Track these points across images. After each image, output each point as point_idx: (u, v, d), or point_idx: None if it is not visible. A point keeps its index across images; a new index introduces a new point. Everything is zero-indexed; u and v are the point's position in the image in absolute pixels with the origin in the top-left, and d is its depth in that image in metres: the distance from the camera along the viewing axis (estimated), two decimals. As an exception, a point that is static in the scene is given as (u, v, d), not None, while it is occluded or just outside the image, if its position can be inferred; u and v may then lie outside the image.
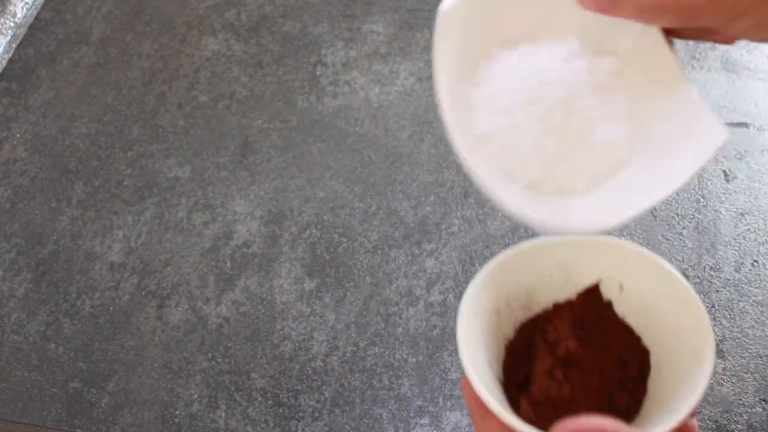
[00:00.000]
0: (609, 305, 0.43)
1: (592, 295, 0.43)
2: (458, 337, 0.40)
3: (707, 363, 0.37)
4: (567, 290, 0.44)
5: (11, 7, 0.95)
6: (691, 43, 0.86)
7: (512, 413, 0.38)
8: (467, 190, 0.76)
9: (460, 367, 0.65)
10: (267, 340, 0.68)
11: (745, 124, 0.79)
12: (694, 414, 0.38)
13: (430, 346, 0.67)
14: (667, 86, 0.40)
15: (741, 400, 0.62)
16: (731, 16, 0.34)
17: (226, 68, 0.89)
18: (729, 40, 0.39)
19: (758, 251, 0.70)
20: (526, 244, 0.42)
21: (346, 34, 0.90)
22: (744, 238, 0.71)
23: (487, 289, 0.42)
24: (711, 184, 0.75)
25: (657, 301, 0.41)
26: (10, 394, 0.67)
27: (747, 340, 0.65)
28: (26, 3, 0.97)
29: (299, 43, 0.90)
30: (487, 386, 0.38)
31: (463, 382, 0.40)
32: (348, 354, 0.67)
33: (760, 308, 0.66)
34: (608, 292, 0.43)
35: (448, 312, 0.68)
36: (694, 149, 0.37)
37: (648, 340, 0.41)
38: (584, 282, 0.43)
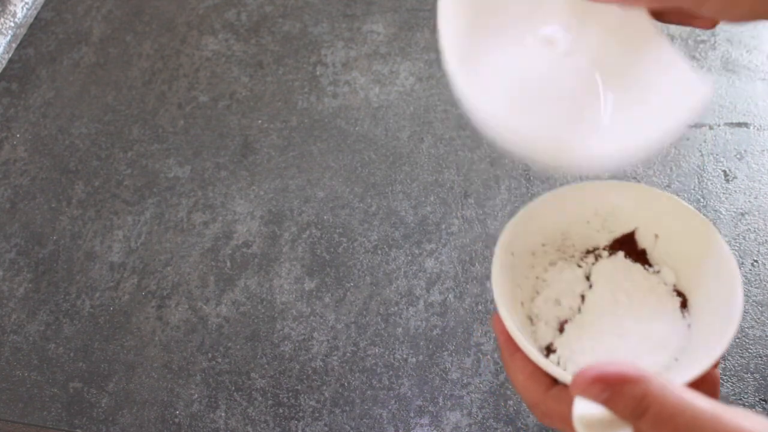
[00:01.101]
0: (643, 253, 0.44)
1: (627, 242, 0.44)
2: (493, 274, 0.40)
3: (736, 312, 0.37)
4: (602, 236, 0.44)
5: (11, 7, 0.95)
6: (691, 43, 0.86)
7: (540, 351, 0.39)
8: (467, 190, 0.76)
9: (460, 367, 0.65)
10: (267, 340, 0.68)
11: (745, 124, 0.79)
12: (717, 365, 0.38)
13: (430, 346, 0.67)
14: (649, 52, 0.41)
15: (741, 400, 0.62)
16: None
17: (226, 68, 0.89)
18: (709, 24, 0.40)
19: (758, 251, 0.70)
20: (566, 188, 0.43)
21: (346, 34, 0.90)
22: (744, 238, 0.71)
23: (525, 228, 0.42)
24: (711, 184, 0.75)
25: (692, 252, 0.41)
26: (10, 394, 0.67)
27: (747, 340, 0.65)
28: (26, 3, 0.97)
29: (299, 43, 0.90)
30: (517, 324, 0.39)
31: (494, 318, 0.40)
32: (348, 354, 0.67)
33: (760, 308, 0.66)
34: (643, 240, 0.44)
35: (448, 312, 0.68)
36: (681, 104, 0.38)
37: (684, 285, 0.42)
38: (620, 230, 0.44)
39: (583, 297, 0.42)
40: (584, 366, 0.32)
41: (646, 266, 0.44)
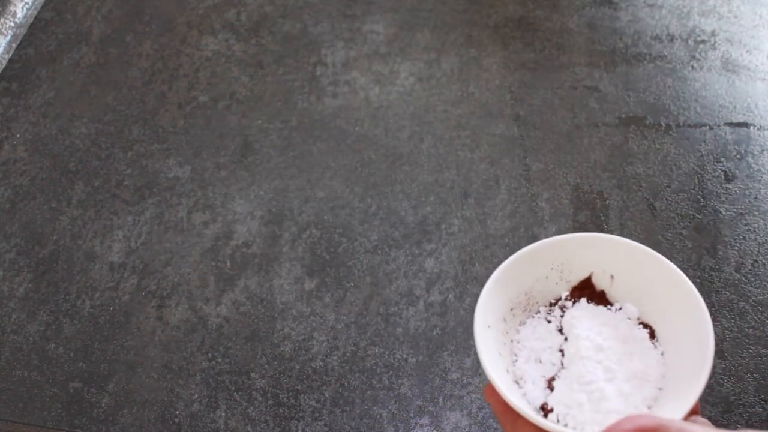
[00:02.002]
0: (603, 294, 0.46)
1: (585, 287, 0.47)
2: (478, 351, 0.42)
3: (709, 336, 0.40)
4: (562, 287, 0.47)
5: (11, 7, 0.95)
6: (691, 43, 0.86)
7: (540, 414, 0.41)
8: (467, 190, 0.76)
9: (460, 367, 0.65)
10: (267, 340, 0.68)
11: (745, 124, 0.79)
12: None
13: (430, 346, 0.67)
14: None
15: (741, 400, 0.62)
16: None
17: (226, 68, 0.89)
18: None
19: (758, 251, 0.70)
20: (521, 253, 0.46)
21: (346, 34, 0.90)
22: (744, 238, 0.71)
23: (492, 301, 0.45)
24: (711, 184, 0.75)
25: (647, 283, 0.44)
26: (10, 394, 0.67)
27: (747, 340, 0.65)
28: (26, 3, 0.97)
29: (299, 43, 0.90)
30: (512, 392, 0.41)
31: (486, 390, 0.42)
32: (348, 354, 0.67)
33: (760, 308, 0.66)
34: (600, 282, 0.47)
35: (448, 312, 0.68)
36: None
37: (648, 316, 0.45)
38: (577, 278, 0.47)
39: (561, 351, 0.44)
40: (610, 425, 0.35)
41: (608, 306, 0.46)
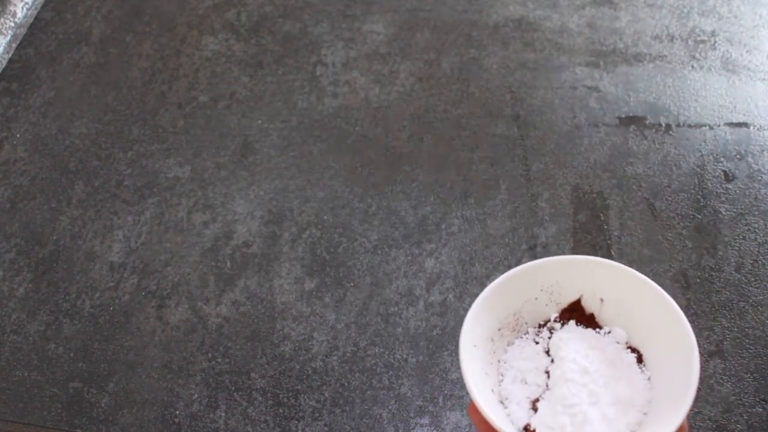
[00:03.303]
0: (592, 317, 0.47)
1: (575, 310, 0.47)
2: (462, 370, 0.42)
3: (694, 362, 0.40)
4: (551, 309, 0.47)
5: (11, 7, 0.95)
6: (691, 43, 0.86)
7: None
8: (467, 190, 0.76)
9: (459, 368, 0.65)
10: (267, 340, 0.68)
11: (745, 124, 0.79)
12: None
13: (430, 346, 0.67)
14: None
15: (741, 400, 0.62)
16: None
17: (226, 68, 0.89)
18: None
19: (758, 251, 0.70)
20: (511, 273, 0.46)
21: (346, 34, 0.90)
22: (744, 238, 0.71)
23: (480, 320, 0.45)
24: (711, 184, 0.75)
25: (636, 308, 0.44)
26: (10, 394, 0.67)
27: (747, 340, 0.65)
28: (26, 3, 0.97)
29: (299, 43, 0.90)
30: (495, 412, 0.41)
31: (471, 408, 0.42)
32: (348, 354, 0.67)
33: (760, 308, 0.66)
34: (589, 306, 0.47)
35: (448, 312, 0.68)
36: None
37: (636, 341, 0.45)
38: (566, 300, 0.47)
39: (547, 372, 0.44)
40: None
41: (597, 329, 0.46)
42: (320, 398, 0.65)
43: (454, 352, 0.66)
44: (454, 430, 0.62)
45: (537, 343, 0.46)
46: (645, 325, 0.44)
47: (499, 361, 0.46)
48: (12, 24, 0.95)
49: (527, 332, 0.47)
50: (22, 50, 0.93)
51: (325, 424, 0.63)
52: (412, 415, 0.63)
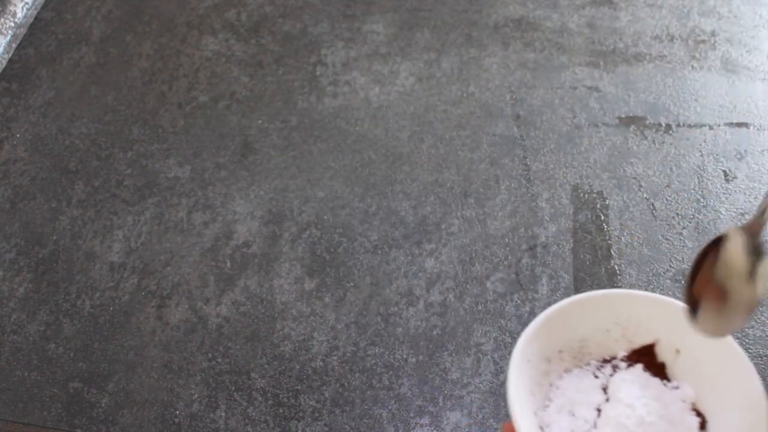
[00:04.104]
0: (662, 367, 0.42)
1: (646, 354, 0.42)
2: (509, 380, 0.39)
3: None
4: (621, 345, 0.43)
5: (11, 7, 0.95)
6: (691, 43, 0.86)
7: None
8: (467, 190, 0.76)
9: (460, 367, 0.65)
10: (267, 340, 0.68)
11: (745, 124, 0.79)
12: None
13: (430, 346, 0.67)
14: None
15: (741, 400, 0.62)
16: None
17: (226, 68, 0.89)
18: None
19: (758, 251, 0.70)
20: (588, 295, 0.42)
21: (346, 34, 0.90)
22: (744, 238, 0.71)
23: (542, 334, 0.41)
24: (711, 184, 0.75)
25: (715, 373, 0.40)
26: (10, 394, 0.67)
27: (747, 340, 0.65)
28: (26, 3, 0.97)
29: (299, 43, 0.90)
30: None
31: (506, 426, 0.39)
32: (348, 354, 0.67)
33: (760, 308, 0.66)
34: (663, 354, 0.42)
35: (448, 312, 0.68)
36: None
37: (704, 405, 0.40)
38: (640, 341, 0.42)
39: (599, 411, 0.41)
40: None
41: (665, 381, 0.42)
42: (320, 398, 0.64)
43: (455, 352, 0.66)
44: (454, 430, 0.62)
45: (596, 377, 0.42)
46: (719, 390, 0.40)
47: (550, 384, 0.42)
48: (12, 24, 0.95)
49: (589, 363, 0.43)
50: (22, 50, 0.93)
51: (325, 424, 0.63)
52: (412, 415, 0.63)
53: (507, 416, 0.62)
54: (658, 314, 0.41)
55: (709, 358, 0.40)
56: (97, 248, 0.75)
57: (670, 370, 0.42)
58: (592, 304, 0.42)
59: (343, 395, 0.65)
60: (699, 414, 0.40)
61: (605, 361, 0.43)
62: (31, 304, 0.72)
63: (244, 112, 0.85)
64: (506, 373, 0.39)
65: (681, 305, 0.40)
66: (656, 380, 0.42)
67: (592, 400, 0.41)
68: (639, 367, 0.42)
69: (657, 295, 0.42)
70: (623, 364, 0.42)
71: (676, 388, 0.41)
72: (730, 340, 0.40)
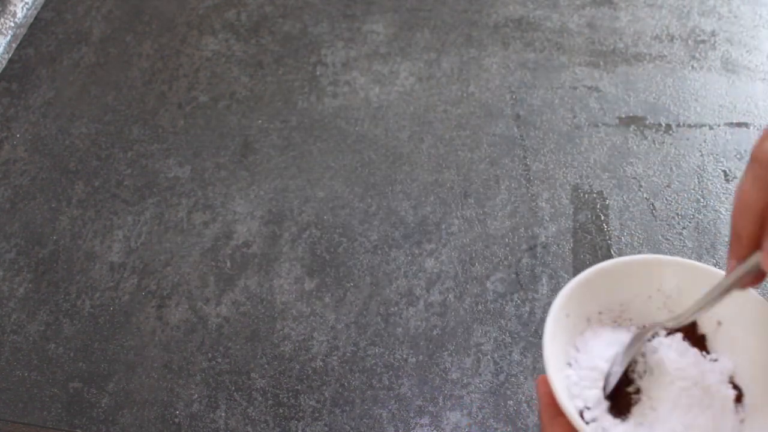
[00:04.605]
0: (702, 338, 0.42)
1: (687, 325, 0.42)
2: (545, 333, 0.38)
3: None
4: (662, 314, 0.42)
5: (11, 7, 0.95)
6: (691, 43, 0.86)
7: (582, 419, 0.37)
8: (467, 190, 0.76)
9: (460, 367, 0.65)
10: (267, 340, 0.68)
11: (745, 124, 0.79)
12: None
13: (430, 346, 0.67)
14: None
15: (741, 400, 0.62)
16: None
17: (226, 68, 0.89)
18: None
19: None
20: (634, 258, 0.41)
21: (346, 34, 0.90)
22: (744, 238, 0.71)
23: (584, 292, 0.41)
24: (711, 184, 0.75)
25: (755, 346, 0.39)
26: (10, 394, 0.67)
27: None
28: (26, 3, 0.97)
29: (299, 43, 0.90)
30: (564, 391, 0.38)
31: (540, 378, 0.39)
32: (348, 354, 0.67)
33: (760, 308, 0.66)
34: (705, 326, 0.42)
35: (448, 312, 0.68)
36: None
37: (741, 379, 0.40)
38: (681, 311, 0.41)
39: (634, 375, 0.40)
40: None
41: (704, 352, 0.41)
42: (320, 398, 0.65)
43: (455, 352, 0.66)
44: (454, 430, 0.62)
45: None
46: (758, 366, 0.39)
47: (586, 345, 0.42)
48: (12, 24, 0.95)
49: (629, 329, 0.42)
50: (22, 50, 0.93)
51: (325, 424, 0.63)
52: (412, 415, 0.63)
53: (507, 416, 0.62)
54: (704, 284, 0.40)
55: (751, 331, 0.40)
56: (97, 248, 0.75)
57: (711, 342, 0.42)
58: (638, 268, 0.41)
59: (343, 395, 0.65)
60: (736, 387, 0.40)
61: (644, 328, 0.42)
62: (31, 304, 0.72)
63: (244, 112, 0.85)
64: (542, 329, 0.39)
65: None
66: (695, 350, 0.41)
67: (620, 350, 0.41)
68: (678, 336, 0.41)
69: (703, 265, 0.41)
70: (662, 332, 0.41)
71: (715, 360, 0.41)
72: None
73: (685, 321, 0.39)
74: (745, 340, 0.40)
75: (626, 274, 0.42)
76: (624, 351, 0.40)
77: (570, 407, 0.37)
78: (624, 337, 0.41)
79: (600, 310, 0.42)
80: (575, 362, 0.40)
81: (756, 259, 0.35)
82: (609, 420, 0.39)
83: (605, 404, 0.39)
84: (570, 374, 0.40)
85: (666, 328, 0.40)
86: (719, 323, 0.41)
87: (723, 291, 0.37)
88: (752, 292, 0.39)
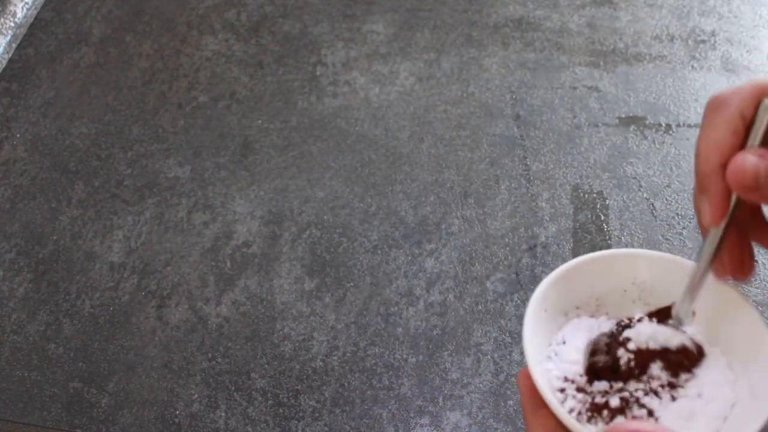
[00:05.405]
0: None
1: (662, 316, 0.43)
2: (525, 329, 0.39)
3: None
4: (637, 307, 0.43)
5: (11, 7, 0.95)
6: (691, 43, 0.86)
7: (564, 409, 0.38)
8: (467, 190, 0.76)
9: (460, 367, 0.65)
10: (267, 340, 0.68)
11: (745, 124, 0.79)
12: None
13: (430, 346, 0.67)
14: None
15: (741, 400, 0.62)
16: None
17: (226, 68, 0.89)
18: None
19: (758, 251, 0.70)
20: (607, 253, 0.42)
21: (346, 34, 0.90)
22: (744, 238, 0.71)
23: (561, 287, 0.42)
24: (711, 184, 0.75)
25: (730, 334, 0.40)
26: (10, 394, 0.67)
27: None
28: (26, 3, 0.97)
29: (299, 43, 0.90)
30: (545, 380, 0.39)
31: (522, 372, 0.40)
32: (348, 354, 0.67)
33: (761, 308, 0.66)
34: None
35: (448, 312, 0.68)
36: None
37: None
38: (657, 303, 0.42)
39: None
40: (615, 423, 0.32)
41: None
42: (320, 398, 0.65)
43: (455, 352, 0.66)
44: (454, 430, 0.62)
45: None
46: (733, 352, 0.40)
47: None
48: (12, 24, 0.95)
49: (608, 321, 0.43)
50: (22, 50, 0.93)
51: (325, 424, 0.63)
52: (412, 415, 0.63)
53: (507, 416, 0.62)
54: (677, 276, 0.41)
55: (726, 320, 0.40)
56: (97, 248, 0.75)
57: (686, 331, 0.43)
58: (610, 262, 0.42)
59: (343, 395, 0.65)
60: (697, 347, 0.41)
61: (621, 324, 0.43)
62: (31, 304, 0.72)
63: (244, 112, 0.85)
64: (522, 326, 0.40)
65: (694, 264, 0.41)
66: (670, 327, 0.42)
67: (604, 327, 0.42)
68: (654, 322, 0.43)
69: (674, 257, 0.42)
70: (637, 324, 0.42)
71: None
72: (742, 298, 0.40)
73: (684, 315, 0.40)
74: (720, 328, 0.41)
75: (600, 269, 0.42)
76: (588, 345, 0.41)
77: (552, 397, 0.37)
78: (603, 326, 0.42)
79: (577, 305, 0.43)
80: (555, 356, 0.41)
81: (713, 231, 0.36)
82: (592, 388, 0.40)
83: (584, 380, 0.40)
84: (550, 368, 0.40)
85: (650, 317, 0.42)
86: (694, 313, 0.42)
87: (698, 278, 0.38)
88: (724, 284, 0.40)
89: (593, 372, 0.40)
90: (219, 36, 0.92)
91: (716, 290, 0.40)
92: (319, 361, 0.66)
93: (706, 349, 0.41)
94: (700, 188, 0.35)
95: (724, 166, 0.34)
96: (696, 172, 0.35)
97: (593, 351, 0.40)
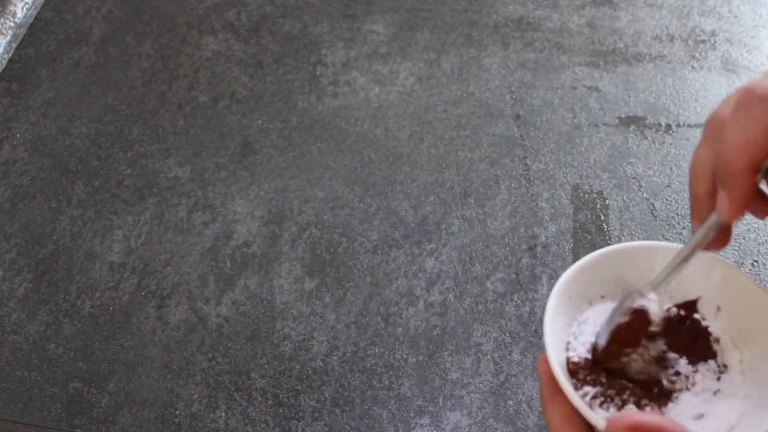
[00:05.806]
0: (698, 323, 0.43)
1: (687, 309, 0.43)
2: (546, 313, 0.39)
3: None
4: (664, 300, 0.43)
5: (11, 7, 0.95)
6: (691, 43, 0.86)
7: (580, 397, 0.38)
8: (467, 190, 0.76)
9: (460, 367, 0.65)
10: (267, 340, 0.68)
11: (745, 124, 0.79)
12: None
13: (430, 346, 0.67)
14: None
15: (741, 400, 0.62)
16: None
17: (226, 68, 0.89)
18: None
19: (758, 251, 0.70)
20: (636, 244, 0.42)
21: (346, 34, 0.90)
22: (744, 238, 0.71)
23: (587, 275, 0.42)
24: (711, 184, 0.75)
25: (754, 332, 0.40)
26: (10, 394, 0.67)
27: None
28: (26, 3, 0.97)
29: (299, 43, 0.90)
30: (563, 369, 0.39)
31: (541, 358, 0.40)
32: (348, 354, 0.67)
33: None
34: (705, 311, 0.43)
35: (448, 312, 0.68)
36: None
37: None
38: (682, 297, 0.42)
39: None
40: (622, 412, 0.32)
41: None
42: (320, 398, 0.65)
43: (455, 352, 0.66)
44: (454, 430, 0.62)
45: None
46: (757, 348, 0.40)
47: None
48: (12, 24, 0.95)
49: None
50: (22, 50, 0.93)
51: (325, 424, 0.63)
52: (412, 415, 0.63)
53: (507, 416, 0.62)
54: (705, 271, 0.41)
55: (750, 318, 0.40)
56: (97, 248, 0.75)
57: (710, 326, 0.43)
58: (640, 254, 0.42)
59: (343, 395, 0.65)
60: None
61: None
62: (31, 304, 0.72)
63: (244, 112, 0.85)
64: (543, 313, 0.40)
65: (729, 264, 0.41)
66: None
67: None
68: (675, 310, 0.43)
69: (706, 252, 0.41)
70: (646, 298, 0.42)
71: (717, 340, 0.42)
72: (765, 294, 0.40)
73: (658, 284, 0.40)
74: (743, 325, 0.41)
75: (627, 260, 0.42)
76: (606, 320, 0.41)
77: (567, 384, 0.37)
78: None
79: (603, 294, 0.43)
80: (574, 339, 0.41)
81: (714, 217, 0.36)
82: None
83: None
84: (570, 354, 0.41)
85: (642, 294, 0.41)
86: (718, 308, 0.42)
87: (689, 252, 0.38)
88: (750, 281, 0.40)
89: (610, 347, 0.40)
90: (219, 36, 0.92)
91: (739, 287, 0.40)
92: (319, 361, 0.66)
93: (717, 337, 0.41)
94: (724, 183, 0.35)
95: (754, 166, 0.34)
96: (720, 162, 0.35)
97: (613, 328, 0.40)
